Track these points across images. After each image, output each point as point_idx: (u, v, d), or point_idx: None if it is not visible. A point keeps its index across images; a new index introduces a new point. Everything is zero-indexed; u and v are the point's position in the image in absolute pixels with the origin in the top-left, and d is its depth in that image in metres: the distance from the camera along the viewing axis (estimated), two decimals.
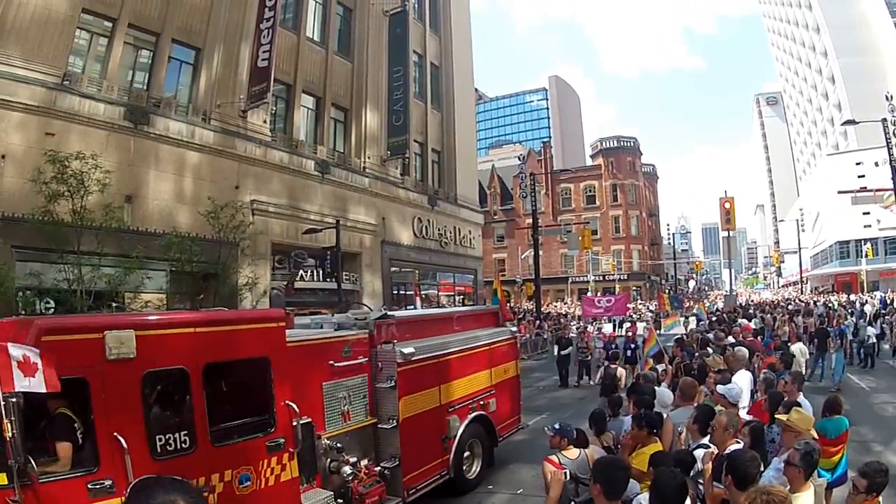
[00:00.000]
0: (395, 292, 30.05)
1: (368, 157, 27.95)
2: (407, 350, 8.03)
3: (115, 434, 4.89)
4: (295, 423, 6.23)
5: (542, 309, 42.81)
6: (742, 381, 8.61)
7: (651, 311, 46.98)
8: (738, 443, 5.27)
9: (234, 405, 6.12)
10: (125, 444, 4.89)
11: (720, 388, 7.28)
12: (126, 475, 4.85)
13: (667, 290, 61.26)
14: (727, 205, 46.36)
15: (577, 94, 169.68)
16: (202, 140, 19.82)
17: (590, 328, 27.36)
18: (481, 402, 9.67)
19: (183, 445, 5.37)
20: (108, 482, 4.81)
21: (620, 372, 14.22)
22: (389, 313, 8.81)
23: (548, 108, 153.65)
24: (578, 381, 20.27)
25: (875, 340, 21.38)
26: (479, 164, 47.97)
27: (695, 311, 43.43)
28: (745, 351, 10.63)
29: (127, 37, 18.32)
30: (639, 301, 58.63)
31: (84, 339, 4.97)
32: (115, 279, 14.85)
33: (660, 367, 11.43)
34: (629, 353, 18.55)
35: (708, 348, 12.61)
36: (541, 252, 41.65)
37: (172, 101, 19.30)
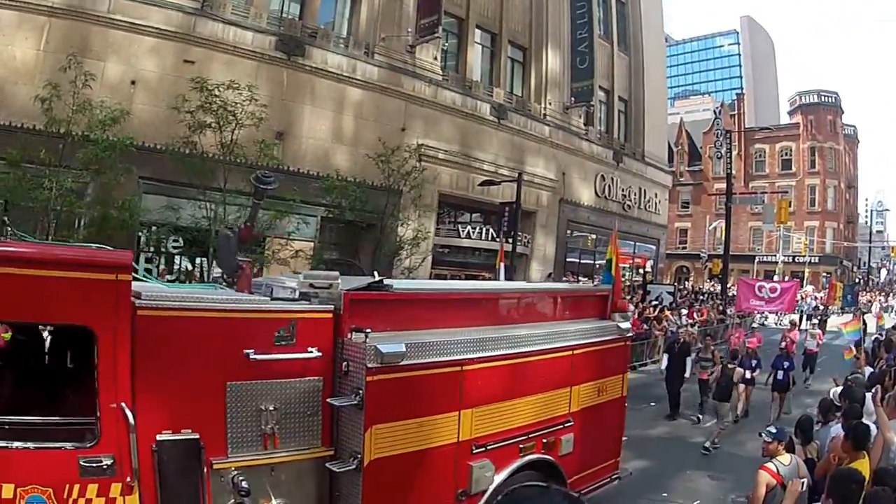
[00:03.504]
0: (568, 259, 27.02)
1: (549, 103, 24.75)
2: (388, 348, 4.64)
3: None
4: (141, 439, 3.98)
5: (728, 291, 35.37)
6: None
7: (817, 307, 35.47)
8: None
9: (24, 394, 4.61)
10: None
11: None
12: None
13: (852, 280, 49.25)
14: None
15: (771, 39, 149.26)
16: (364, 76, 17.81)
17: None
18: (545, 440, 5.93)
19: None
20: None
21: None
22: (386, 282, 5.32)
23: (739, 55, 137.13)
24: (700, 415, 12.66)
25: None
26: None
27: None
28: None
29: None
30: (807, 291, 43.34)
31: None
32: (264, 223, 13.08)
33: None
34: (780, 374, 12.91)
35: None
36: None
37: (330, 32, 17.34)
